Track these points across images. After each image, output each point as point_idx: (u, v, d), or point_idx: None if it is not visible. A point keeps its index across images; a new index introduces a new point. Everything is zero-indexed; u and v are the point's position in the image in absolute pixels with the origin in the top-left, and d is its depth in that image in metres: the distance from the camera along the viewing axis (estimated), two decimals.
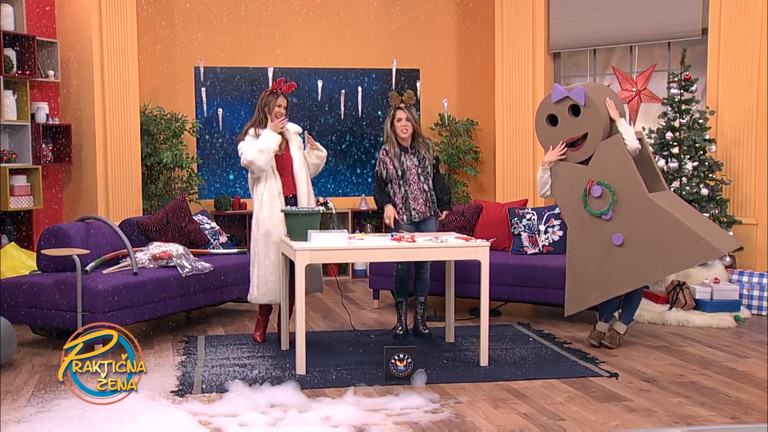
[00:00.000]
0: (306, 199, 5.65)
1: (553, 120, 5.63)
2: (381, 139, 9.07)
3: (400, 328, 5.92)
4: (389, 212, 5.74)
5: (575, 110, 5.52)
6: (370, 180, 9.10)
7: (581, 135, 5.51)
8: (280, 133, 5.63)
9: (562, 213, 5.75)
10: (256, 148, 5.45)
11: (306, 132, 5.83)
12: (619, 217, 5.41)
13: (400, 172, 5.76)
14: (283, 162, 5.63)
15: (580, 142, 5.54)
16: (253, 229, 5.63)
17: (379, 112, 9.02)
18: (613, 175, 5.41)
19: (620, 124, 5.43)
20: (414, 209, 5.77)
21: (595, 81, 8.05)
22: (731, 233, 6.81)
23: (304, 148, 5.76)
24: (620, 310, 5.68)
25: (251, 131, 5.57)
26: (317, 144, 5.80)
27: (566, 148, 5.58)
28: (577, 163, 5.55)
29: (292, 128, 5.76)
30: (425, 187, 5.80)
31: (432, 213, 5.85)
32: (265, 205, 5.53)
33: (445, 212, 5.94)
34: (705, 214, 6.72)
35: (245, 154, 5.48)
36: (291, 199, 5.63)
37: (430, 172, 5.83)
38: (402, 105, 5.76)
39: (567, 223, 5.71)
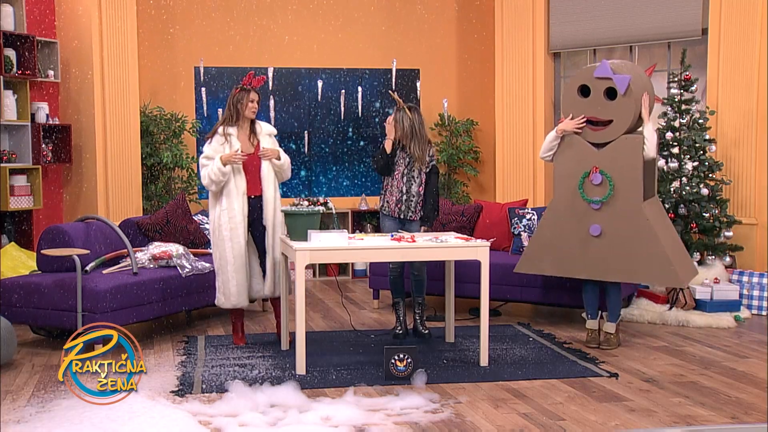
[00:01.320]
0: (272, 201, 5.55)
1: (584, 91, 5.54)
2: (381, 139, 9.07)
3: (399, 327, 5.93)
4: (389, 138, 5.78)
5: (611, 93, 5.43)
6: (370, 179, 9.10)
7: (606, 120, 5.46)
8: (252, 131, 5.57)
9: (555, 181, 5.69)
10: (208, 174, 5.40)
11: (263, 148, 5.56)
12: (606, 211, 5.44)
13: (391, 164, 5.85)
14: (251, 162, 5.52)
15: (601, 125, 5.48)
16: (214, 234, 5.53)
17: (377, 115, 9.03)
18: (620, 171, 5.39)
19: (647, 128, 5.36)
20: (387, 202, 5.83)
21: None
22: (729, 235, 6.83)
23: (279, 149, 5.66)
24: (606, 311, 5.70)
25: (220, 131, 5.50)
26: (276, 153, 5.57)
27: (586, 124, 5.52)
28: (589, 142, 5.52)
29: (266, 129, 5.67)
30: (404, 188, 5.78)
31: (404, 216, 5.80)
32: (224, 209, 5.46)
33: (423, 228, 5.83)
34: (705, 215, 6.73)
35: (202, 173, 5.47)
36: (256, 199, 5.54)
37: (415, 178, 5.78)
38: (396, 107, 5.83)
39: (555, 192, 5.67)
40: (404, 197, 5.78)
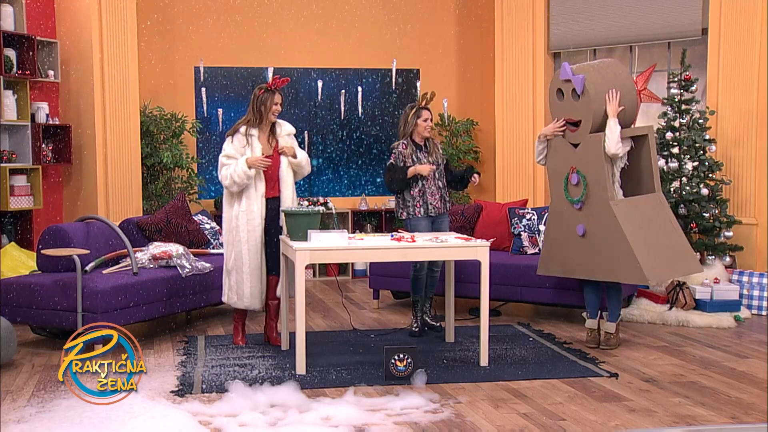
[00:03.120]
0: (290, 202, 5.53)
1: (561, 94, 5.63)
2: (381, 138, 9.07)
3: (416, 325, 5.95)
4: (422, 167, 5.82)
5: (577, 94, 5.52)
6: (370, 179, 9.10)
7: (577, 120, 5.53)
8: (271, 131, 5.54)
9: (549, 184, 5.84)
10: (231, 175, 5.35)
11: (284, 147, 5.53)
12: (585, 210, 5.51)
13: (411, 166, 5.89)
14: (270, 164, 5.48)
15: (577, 124, 5.55)
16: (230, 233, 5.48)
17: (380, 112, 9.04)
18: (589, 170, 5.47)
19: (608, 124, 5.40)
20: (431, 204, 5.89)
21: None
22: (732, 229, 6.82)
23: (298, 147, 5.65)
24: (606, 311, 5.70)
25: (242, 130, 5.45)
26: (293, 150, 5.54)
27: (566, 126, 5.60)
28: (571, 143, 5.58)
29: (286, 129, 5.63)
30: (439, 184, 5.94)
31: (446, 209, 5.97)
32: (243, 210, 5.43)
33: (475, 174, 6.11)
34: (705, 215, 6.72)
35: (222, 173, 5.42)
36: (273, 200, 5.52)
37: (442, 172, 5.98)
38: (427, 106, 5.94)
39: (551, 194, 5.79)
40: (443, 192, 5.96)
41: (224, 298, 5.67)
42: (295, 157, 5.55)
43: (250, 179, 5.40)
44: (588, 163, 5.47)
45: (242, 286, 5.50)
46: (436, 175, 5.92)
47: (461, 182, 6.09)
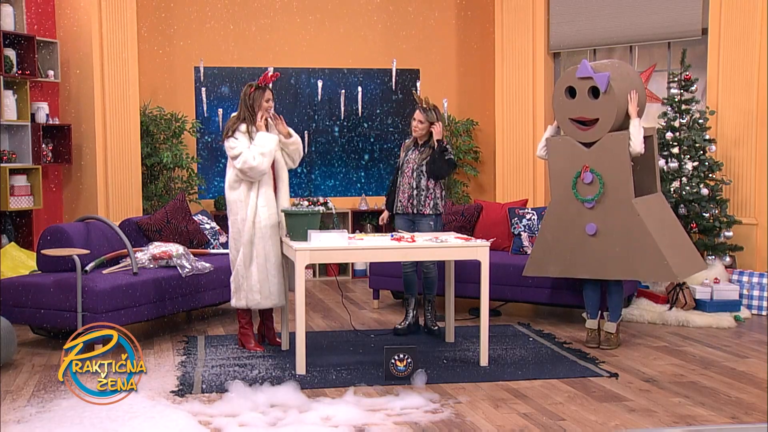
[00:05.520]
0: (286, 198, 5.51)
1: (571, 92, 5.58)
2: (381, 138, 9.07)
3: (401, 323, 5.97)
4: (384, 215, 6.21)
5: (595, 92, 5.46)
6: (370, 179, 9.10)
7: (592, 119, 5.48)
8: (267, 128, 5.47)
9: (550, 183, 5.77)
10: (258, 152, 5.22)
11: (278, 120, 5.45)
12: (600, 209, 5.47)
13: (400, 163, 6.03)
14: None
15: (590, 123, 5.51)
16: (248, 230, 5.35)
17: (379, 110, 9.04)
18: (608, 169, 5.43)
19: (633, 124, 5.38)
20: (399, 200, 5.96)
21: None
22: (732, 228, 6.82)
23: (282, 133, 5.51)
24: (607, 311, 5.70)
25: (242, 128, 5.34)
26: (290, 129, 5.50)
27: (575, 125, 5.53)
28: (579, 142, 5.54)
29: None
30: (414, 183, 5.88)
31: (416, 211, 5.88)
32: (261, 206, 5.37)
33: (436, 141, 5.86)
34: (705, 215, 6.73)
35: (245, 159, 5.20)
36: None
37: (424, 173, 5.86)
38: (421, 106, 5.92)
39: (551, 193, 5.74)
40: (415, 192, 5.89)
41: (245, 303, 5.49)
42: (289, 135, 5.47)
43: (275, 141, 5.33)
44: (607, 161, 5.41)
45: (268, 284, 5.39)
46: (414, 174, 5.87)
47: (438, 162, 5.80)
